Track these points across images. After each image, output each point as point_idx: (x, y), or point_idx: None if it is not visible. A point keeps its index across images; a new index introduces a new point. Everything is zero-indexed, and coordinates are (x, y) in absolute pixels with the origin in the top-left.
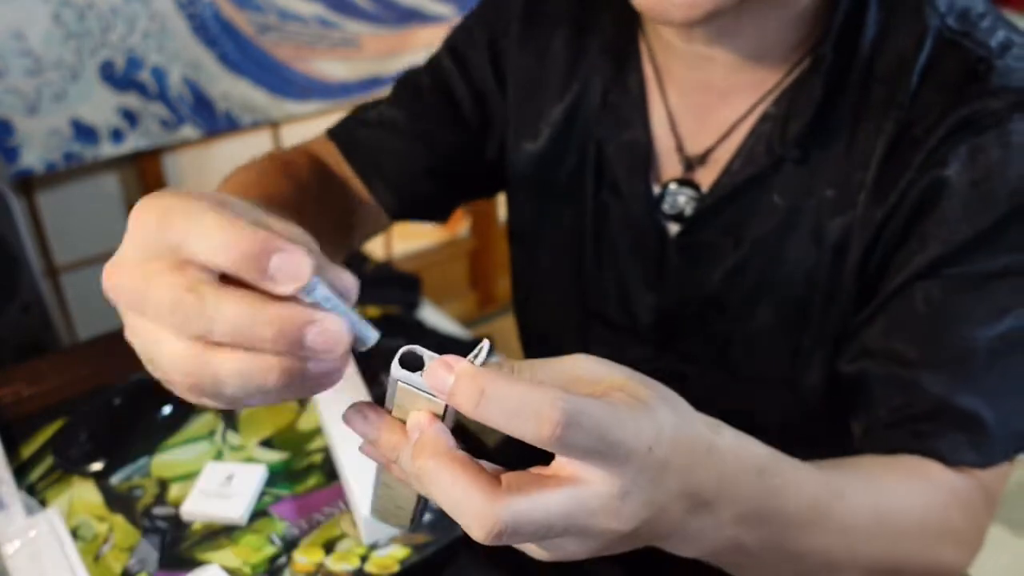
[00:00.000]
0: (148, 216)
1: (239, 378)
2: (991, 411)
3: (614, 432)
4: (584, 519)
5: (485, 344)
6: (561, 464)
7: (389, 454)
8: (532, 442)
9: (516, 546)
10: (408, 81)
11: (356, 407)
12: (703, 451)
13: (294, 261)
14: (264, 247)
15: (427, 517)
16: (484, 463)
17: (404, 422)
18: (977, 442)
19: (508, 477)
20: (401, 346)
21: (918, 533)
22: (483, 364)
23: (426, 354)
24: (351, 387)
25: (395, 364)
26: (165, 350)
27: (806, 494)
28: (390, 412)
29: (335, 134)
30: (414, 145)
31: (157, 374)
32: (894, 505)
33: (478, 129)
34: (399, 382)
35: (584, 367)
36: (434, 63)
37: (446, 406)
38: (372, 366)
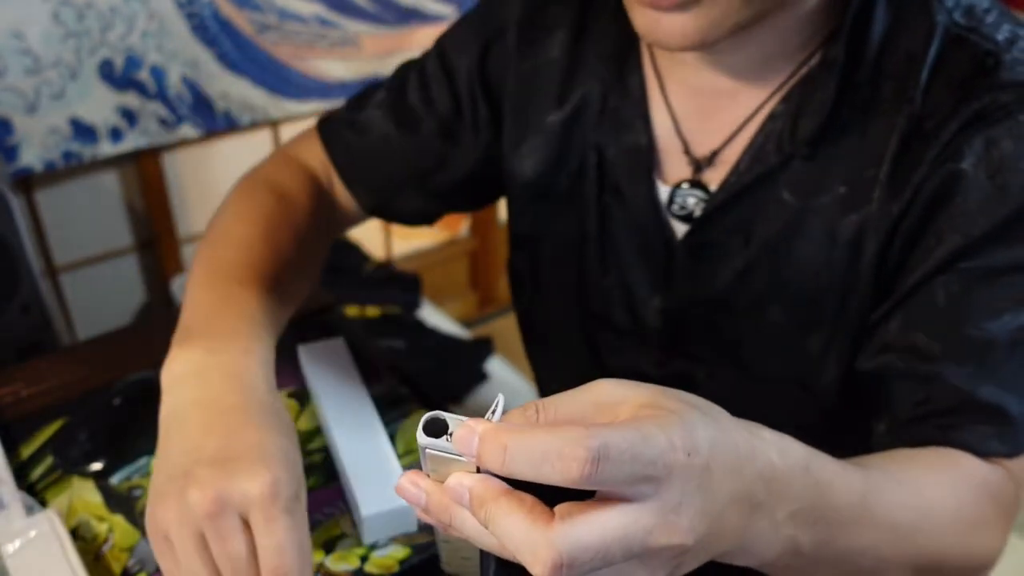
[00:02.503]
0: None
1: None
2: (1015, 401)
3: (646, 451)
4: (642, 538)
5: (500, 399)
6: (610, 491)
7: (442, 517)
8: (566, 485)
9: None
10: (398, 86)
11: (408, 478)
12: (747, 453)
13: None
14: None
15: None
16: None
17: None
18: (1003, 433)
19: (561, 507)
20: (401, 349)
21: (956, 525)
22: (503, 413)
23: (449, 417)
24: (351, 387)
25: (420, 433)
26: None
27: (852, 490)
28: (428, 476)
29: (325, 138)
30: (403, 160)
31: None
32: (932, 499)
33: (461, 141)
34: (427, 449)
35: (606, 391)
36: (422, 68)
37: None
38: (372, 366)
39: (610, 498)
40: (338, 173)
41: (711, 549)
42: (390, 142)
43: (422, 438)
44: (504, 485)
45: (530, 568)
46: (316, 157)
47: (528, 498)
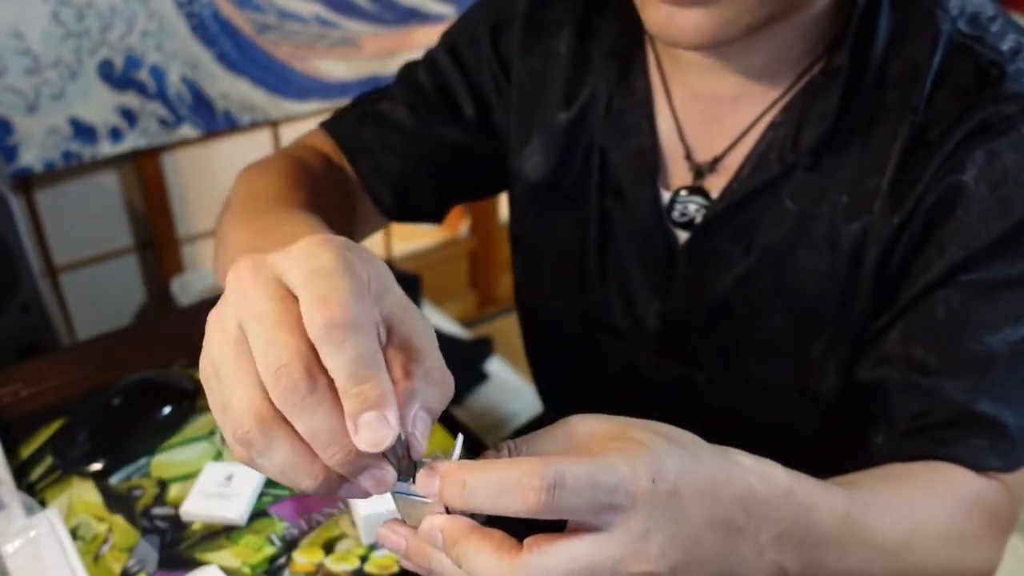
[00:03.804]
0: (326, 280)
1: (283, 465)
2: (1012, 415)
3: (605, 479)
4: (610, 567)
5: (459, 440)
6: (578, 521)
7: (422, 562)
8: (526, 515)
9: None
10: (408, 79)
11: (389, 526)
12: (722, 478)
13: (379, 430)
14: (370, 404)
15: None
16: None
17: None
18: (1000, 447)
19: (529, 540)
20: None
21: (946, 542)
22: (460, 456)
23: (417, 462)
24: None
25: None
26: (246, 392)
27: (836, 510)
28: (406, 524)
29: (336, 132)
30: (418, 148)
31: (213, 391)
32: (922, 516)
33: (479, 130)
34: (396, 494)
35: (576, 428)
36: (432, 61)
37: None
38: None
39: (579, 529)
40: (359, 173)
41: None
42: (412, 139)
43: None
44: (473, 523)
45: None
46: (331, 153)
47: (497, 534)
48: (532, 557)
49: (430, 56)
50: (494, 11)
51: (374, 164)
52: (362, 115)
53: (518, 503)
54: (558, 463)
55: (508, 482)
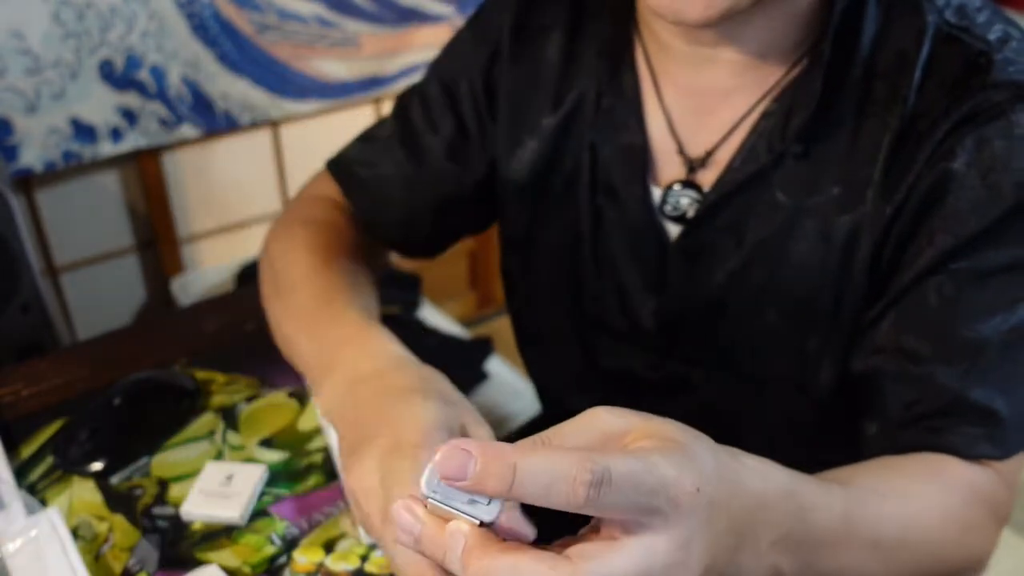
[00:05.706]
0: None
1: None
2: (1005, 402)
3: (648, 480)
4: (659, 573)
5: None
6: (620, 522)
7: (436, 552)
8: (566, 508)
9: None
10: (402, 114)
11: (405, 504)
12: (738, 486)
13: None
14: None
15: None
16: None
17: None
18: (993, 435)
19: (574, 548)
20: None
21: (942, 534)
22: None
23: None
24: None
25: (424, 482)
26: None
27: (834, 510)
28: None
29: (338, 176)
30: (414, 188)
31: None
32: (918, 509)
33: (467, 163)
34: (429, 500)
35: (607, 421)
36: (423, 94)
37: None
38: None
39: (613, 531)
40: (356, 211)
41: None
42: (404, 173)
43: (427, 488)
44: (499, 540)
45: None
46: (336, 194)
47: (530, 547)
48: (592, 565)
49: (421, 86)
50: (487, 35)
51: (377, 212)
52: (363, 160)
53: (564, 496)
54: (605, 459)
55: (558, 473)
